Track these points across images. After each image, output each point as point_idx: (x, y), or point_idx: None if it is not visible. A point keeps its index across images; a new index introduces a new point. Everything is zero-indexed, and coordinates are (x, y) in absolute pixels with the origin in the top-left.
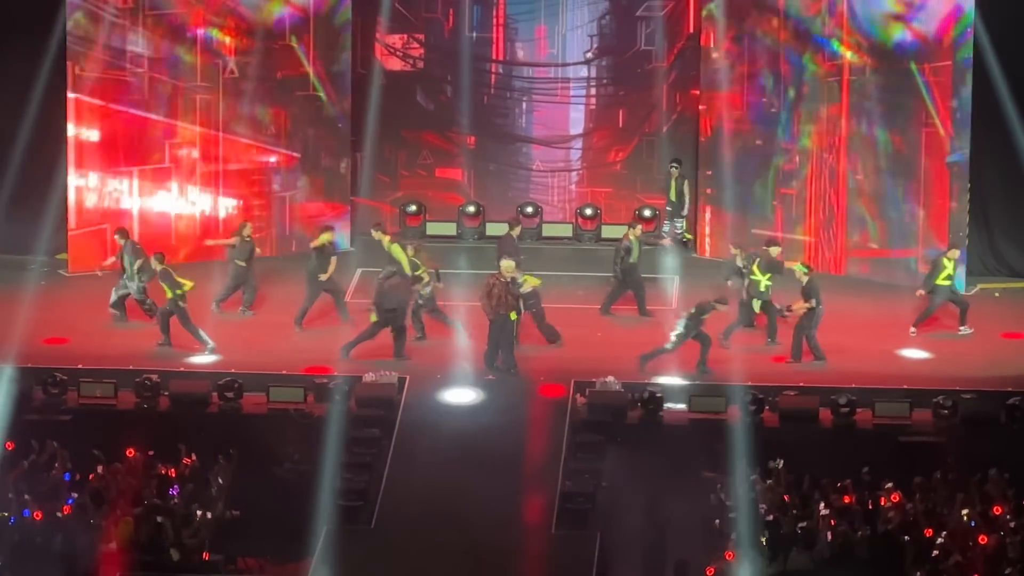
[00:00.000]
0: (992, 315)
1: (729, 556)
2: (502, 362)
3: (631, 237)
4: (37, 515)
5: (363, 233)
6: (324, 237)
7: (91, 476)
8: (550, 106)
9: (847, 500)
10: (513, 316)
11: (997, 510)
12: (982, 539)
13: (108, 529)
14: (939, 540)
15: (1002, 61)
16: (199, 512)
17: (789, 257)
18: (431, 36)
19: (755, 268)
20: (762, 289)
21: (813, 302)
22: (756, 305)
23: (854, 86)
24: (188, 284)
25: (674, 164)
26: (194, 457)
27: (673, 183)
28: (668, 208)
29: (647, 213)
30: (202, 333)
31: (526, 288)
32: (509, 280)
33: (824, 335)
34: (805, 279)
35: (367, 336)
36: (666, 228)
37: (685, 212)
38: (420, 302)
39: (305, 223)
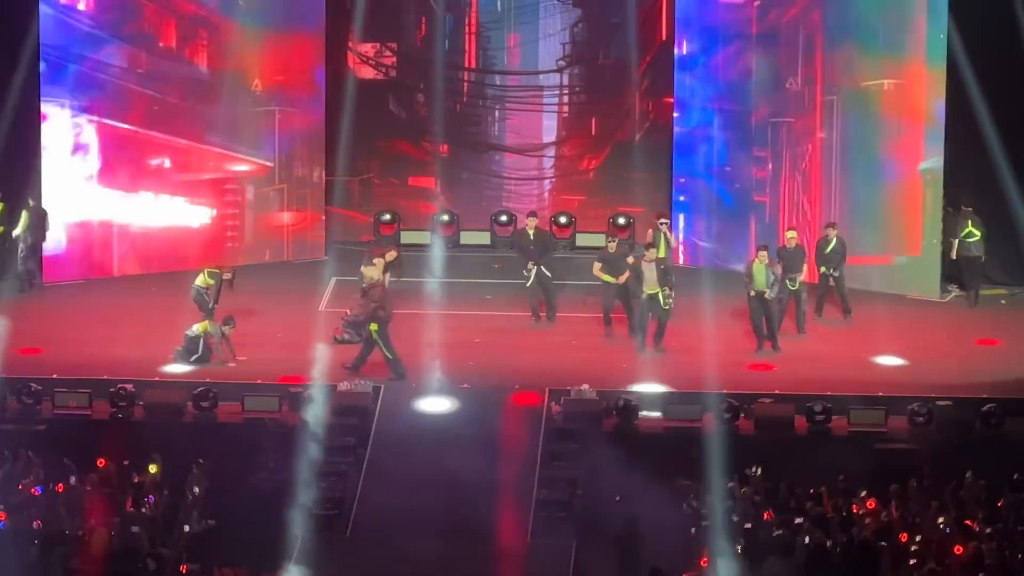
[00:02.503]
0: (967, 322)
1: (703, 562)
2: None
3: (757, 265)
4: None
5: (338, 242)
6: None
7: (63, 487)
8: (523, 114)
9: (823, 507)
10: (373, 327)
11: (970, 523)
12: (958, 549)
13: (83, 539)
14: (914, 547)
15: (976, 69)
16: (175, 522)
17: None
18: (403, 45)
19: (971, 226)
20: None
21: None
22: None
23: (827, 92)
24: None
25: (663, 221)
26: (154, 469)
27: (663, 238)
28: (661, 266)
29: (621, 221)
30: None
31: None
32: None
33: (799, 342)
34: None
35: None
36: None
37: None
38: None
39: (277, 232)
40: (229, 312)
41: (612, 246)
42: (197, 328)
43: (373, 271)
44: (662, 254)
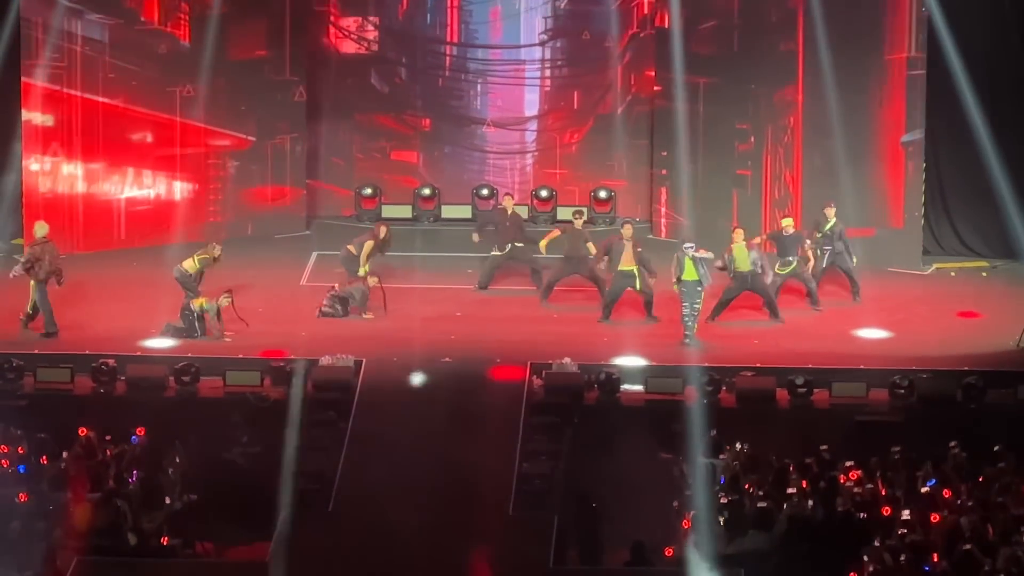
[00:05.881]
0: (948, 294)
1: (686, 524)
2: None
3: (737, 248)
4: None
5: (319, 217)
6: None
7: (46, 460)
8: (505, 88)
9: (804, 480)
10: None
11: (947, 494)
12: (934, 517)
13: (65, 514)
14: (897, 518)
15: (957, 40)
16: (157, 496)
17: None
18: (385, 18)
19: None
20: None
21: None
22: None
23: (809, 65)
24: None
25: (688, 245)
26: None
27: (688, 263)
28: (683, 288)
29: (602, 195)
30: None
31: None
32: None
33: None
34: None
35: None
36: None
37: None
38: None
39: (259, 206)
40: (212, 287)
41: (578, 222)
42: (195, 305)
43: (41, 229)
44: (692, 277)
